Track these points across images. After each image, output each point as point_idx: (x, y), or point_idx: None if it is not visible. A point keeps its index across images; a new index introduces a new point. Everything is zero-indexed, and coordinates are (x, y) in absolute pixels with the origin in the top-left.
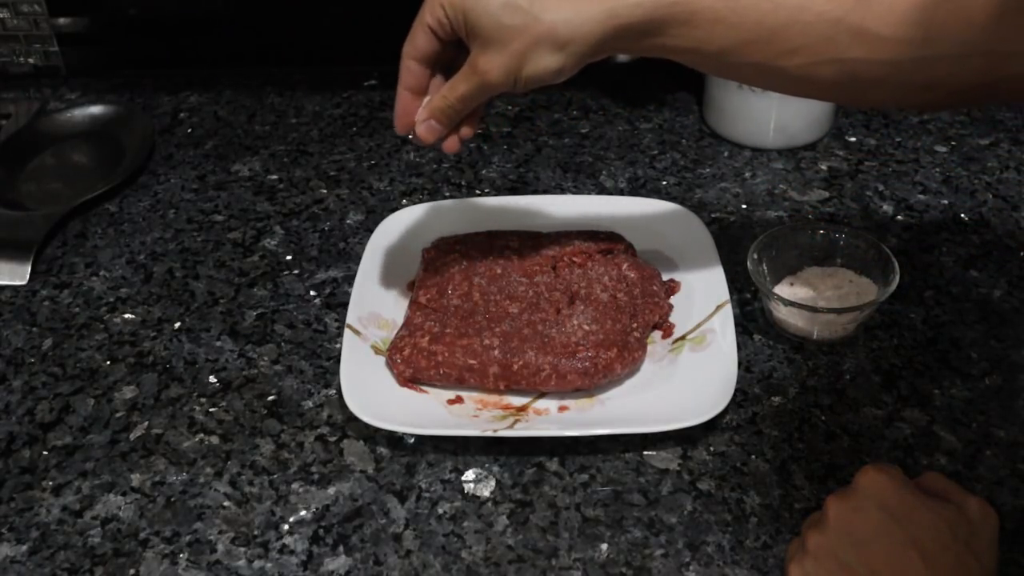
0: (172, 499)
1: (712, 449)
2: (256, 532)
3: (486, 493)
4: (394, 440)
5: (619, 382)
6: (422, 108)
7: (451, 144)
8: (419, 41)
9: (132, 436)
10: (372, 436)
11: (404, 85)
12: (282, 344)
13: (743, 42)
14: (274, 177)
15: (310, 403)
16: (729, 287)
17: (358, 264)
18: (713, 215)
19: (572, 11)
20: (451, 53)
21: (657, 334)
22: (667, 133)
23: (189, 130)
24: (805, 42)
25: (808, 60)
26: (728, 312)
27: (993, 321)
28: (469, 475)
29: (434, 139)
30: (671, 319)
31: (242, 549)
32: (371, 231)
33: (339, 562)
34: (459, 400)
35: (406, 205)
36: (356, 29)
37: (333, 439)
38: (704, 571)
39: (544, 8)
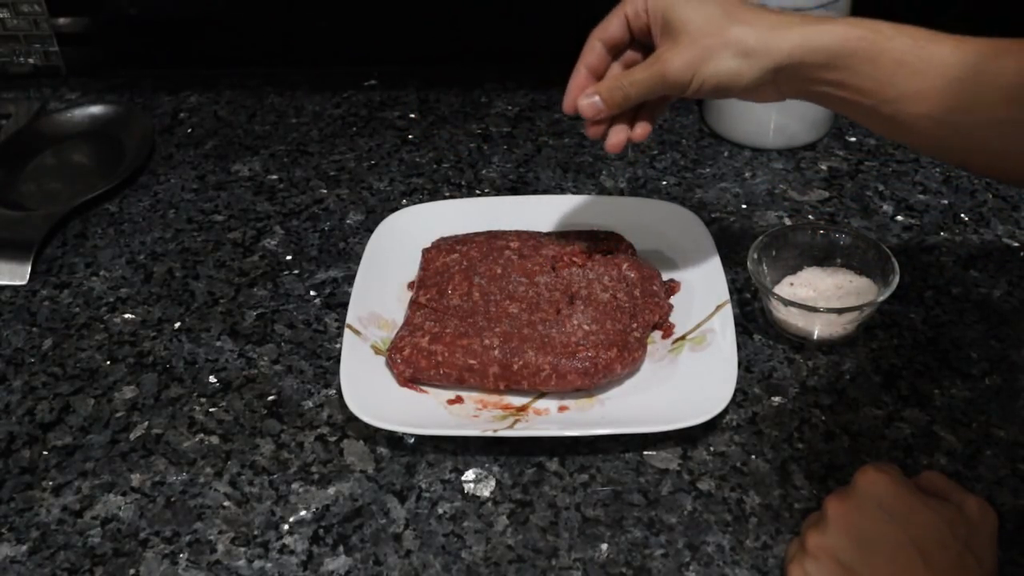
0: (172, 499)
1: (712, 449)
2: (256, 532)
3: (486, 493)
4: (394, 440)
5: (619, 382)
6: (592, 86)
7: (615, 141)
8: (611, 26)
9: (132, 436)
10: (372, 436)
11: (584, 62)
12: (282, 344)
13: (922, 91)
14: (274, 177)
15: (310, 403)
16: (729, 287)
17: (358, 264)
18: (713, 215)
19: (766, 26)
20: (634, 53)
21: (657, 334)
22: (667, 133)
23: (189, 130)
24: (985, 99)
25: (987, 117)
26: (728, 312)
27: (993, 321)
28: (469, 475)
29: (593, 116)
30: (671, 319)
31: (242, 549)
32: (371, 231)
33: (339, 562)
34: (459, 400)
35: (406, 205)
36: (356, 29)
37: (333, 439)
38: (704, 571)
39: (739, 19)
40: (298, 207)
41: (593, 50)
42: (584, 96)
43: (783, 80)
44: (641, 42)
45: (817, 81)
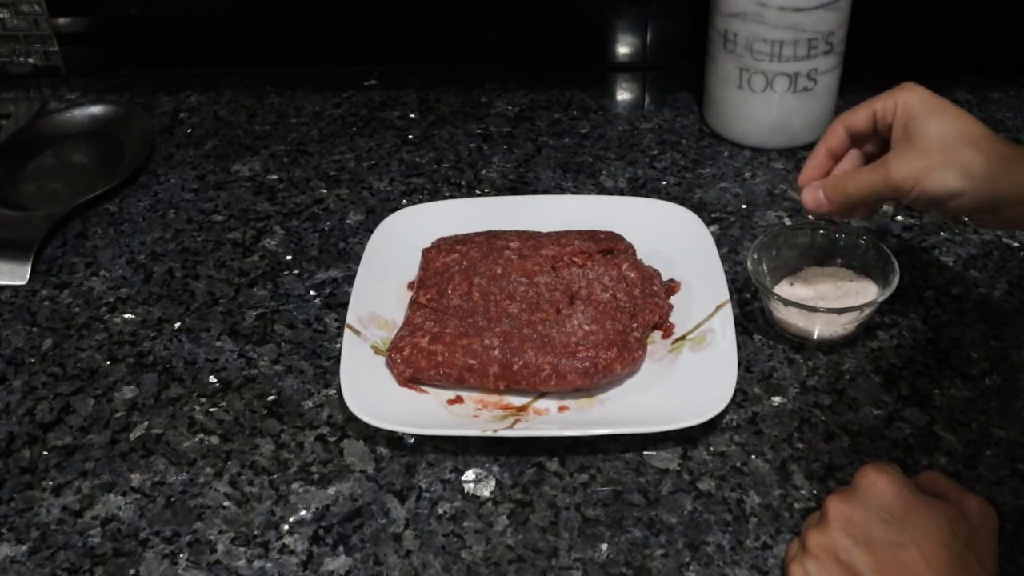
0: (172, 499)
1: (712, 449)
2: (256, 532)
3: (486, 493)
4: (394, 440)
5: (619, 382)
6: (821, 180)
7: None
8: (858, 117)
9: (132, 436)
10: (372, 436)
11: (826, 143)
12: (282, 344)
13: None
14: (274, 177)
15: (310, 403)
16: (729, 287)
17: (358, 264)
18: (713, 215)
19: (999, 156)
20: (872, 148)
21: (657, 334)
22: (667, 133)
23: (189, 130)
24: None
25: None
26: (728, 312)
27: (993, 321)
28: (469, 475)
29: (814, 209)
30: (671, 319)
31: (242, 549)
32: (371, 231)
33: (339, 562)
34: (459, 400)
35: (406, 205)
36: (356, 29)
37: (333, 439)
38: (704, 571)
39: (974, 143)
40: (298, 207)
41: (836, 134)
42: (811, 187)
43: (1010, 211)
44: (882, 135)
45: None
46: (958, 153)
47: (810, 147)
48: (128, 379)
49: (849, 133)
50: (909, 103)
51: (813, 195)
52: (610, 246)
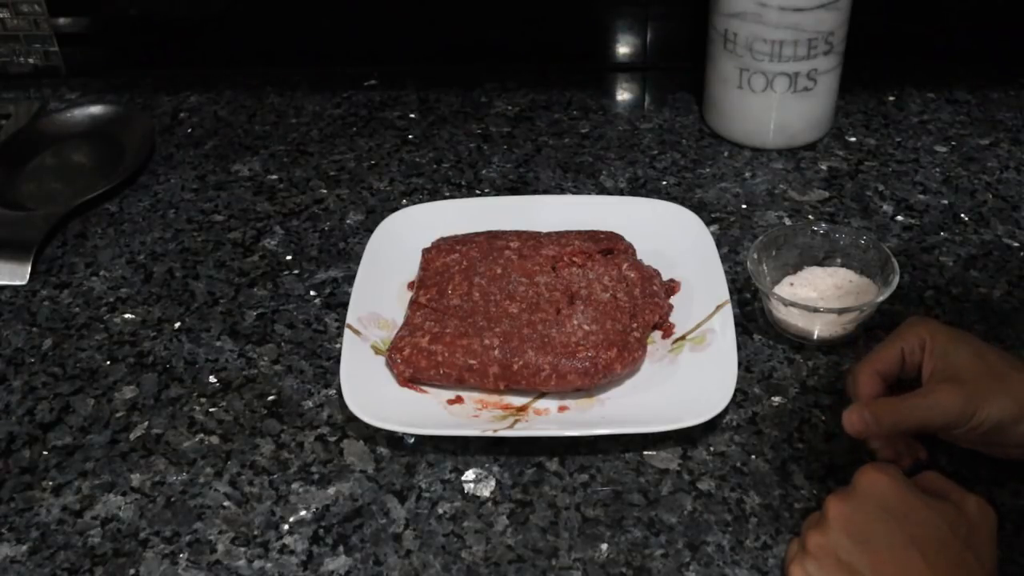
0: (172, 499)
1: (712, 449)
2: (256, 532)
3: (486, 493)
4: (394, 440)
5: (619, 382)
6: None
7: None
8: (888, 358)
9: (132, 436)
10: (372, 436)
11: (863, 393)
12: (282, 344)
13: None
14: (274, 177)
15: (310, 403)
16: (729, 287)
17: (358, 264)
18: (713, 215)
19: None
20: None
21: (657, 334)
22: (667, 133)
23: (189, 130)
24: None
25: None
26: (728, 312)
27: (993, 321)
28: (469, 475)
29: (859, 432)
30: (671, 319)
31: (242, 549)
32: (371, 231)
33: (339, 562)
34: (459, 400)
35: (406, 205)
36: (356, 29)
37: (333, 439)
38: (704, 571)
39: (1012, 367)
40: (298, 207)
41: (871, 381)
42: (857, 409)
43: None
44: (908, 378)
45: None
46: (1008, 378)
47: (810, 147)
48: (128, 379)
49: (881, 376)
50: (936, 334)
51: (860, 418)
52: (610, 246)
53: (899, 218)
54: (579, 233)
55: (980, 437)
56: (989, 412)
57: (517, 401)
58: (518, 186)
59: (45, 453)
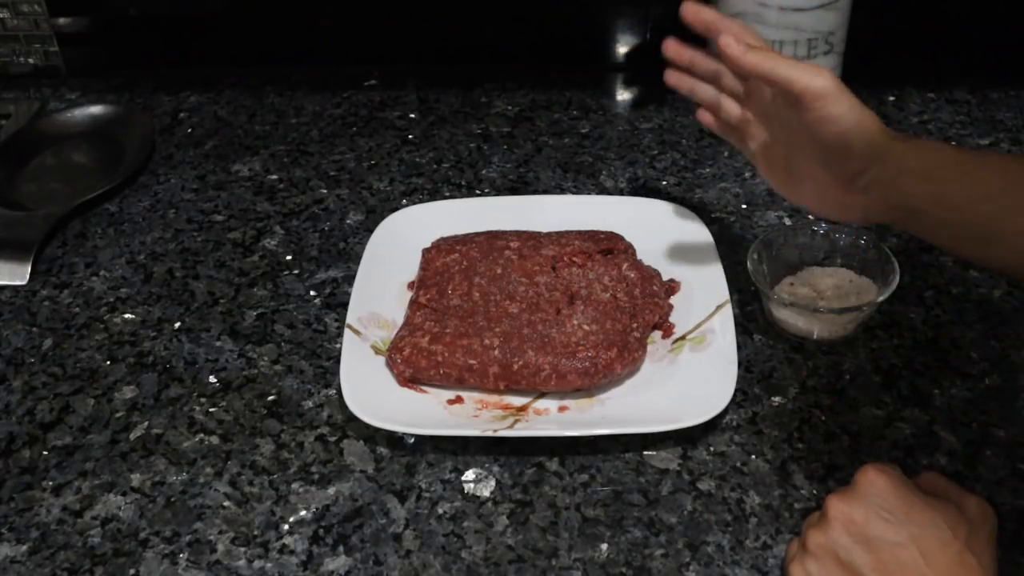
0: (172, 499)
1: (712, 449)
2: (256, 532)
3: (486, 493)
4: (394, 440)
5: (619, 382)
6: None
7: (704, 115)
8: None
9: (132, 436)
10: (372, 436)
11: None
12: (282, 344)
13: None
14: (274, 177)
15: (310, 403)
16: (729, 287)
17: (358, 264)
18: (713, 215)
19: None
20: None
21: (657, 334)
22: (667, 133)
23: (189, 130)
24: None
25: None
26: (728, 312)
27: (993, 321)
28: (469, 475)
29: (730, 46)
30: (671, 319)
31: (242, 549)
32: (371, 231)
33: (339, 562)
34: (459, 400)
35: (406, 205)
36: (356, 29)
37: (333, 439)
38: (704, 571)
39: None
40: (298, 207)
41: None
42: (738, 27)
43: (877, 182)
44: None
45: (911, 194)
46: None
47: None
48: (128, 379)
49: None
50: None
51: (727, 40)
52: (610, 246)
53: None
54: (579, 233)
55: (813, 130)
56: (850, 116)
57: (517, 401)
58: (518, 186)
59: (45, 453)
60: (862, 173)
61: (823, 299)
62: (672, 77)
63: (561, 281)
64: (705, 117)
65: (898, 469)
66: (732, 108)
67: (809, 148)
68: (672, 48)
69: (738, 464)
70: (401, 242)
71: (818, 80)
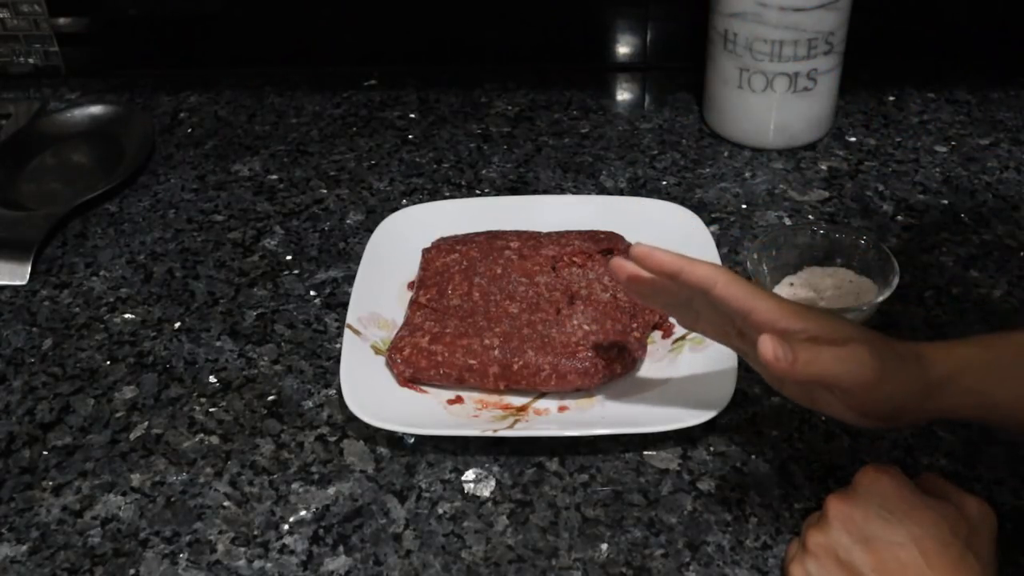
0: (172, 499)
1: (712, 449)
2: (256, 532)
3: (486, 493)
4: (394, 440)
5: (619, 382)
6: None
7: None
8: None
9: (132, 436)
10: (372, 436)
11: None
12: (282, 344)
13: None
14: (274, 177)
15: (310, 403)
16: None
17: (358, 264)
18: (713, 215)
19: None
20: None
21: (657, 334)
22: (667, 133)
23: (189, 130)
24: None
25: None
26: None
27: (993, 321)
28: (469, 475)
29: (772, 364)
30: (671, 319)
31: (242, 549)
32: (371, 231)
33: (339, 562)
34: (459, 400)
35: (406, 205)
36: (356, 29)
37: (333, 439)
38: (704, 571)
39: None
40: (298, 207)
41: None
42: (778, 342)
43: (936, 392)
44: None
45: (967, 392)
46: (904, 355)
47: (810, 147)
48: (128, 379)
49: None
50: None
51: (783, 350)
52: (610, 246)
53: (899, 218)
54: (579, 233)
55: (863, 406)
56: (894, 387)
57: (517, 401)
58: (518, 186)
59: (45, 453)
60: (904, 416)
61: (823, 299)
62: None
63: (561, 281)
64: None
65: (898, 469)
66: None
67: (843, 413)
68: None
69: (738, 464)
70: (401, 242)
71: (864, 372)
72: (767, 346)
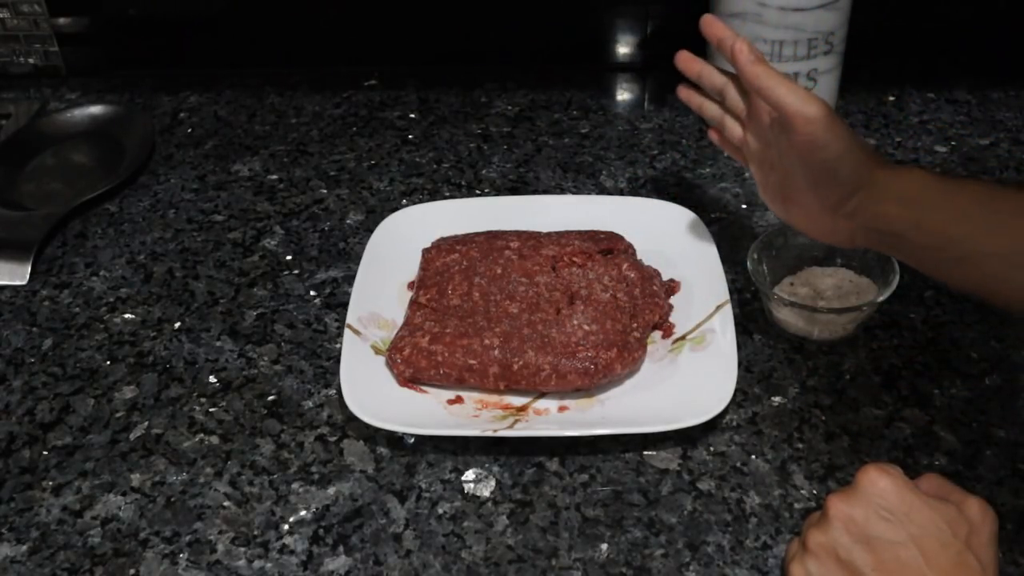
0: (172, 499)
1: (712, 449)
2: (256, 532)
3: (486, 493)
4: (394, 440)
5: (619, 382)
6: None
7: (713, 134)
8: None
9: (132, 436)
10: (372, 436)
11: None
12: (282, 344)
13: (994, 227)
14: (274, 177)
15: (310, 403)
16: (729, 287)
17: (358, 264)
18: (713, 215)
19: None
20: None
21: (657, 334)
22: (667, 133)
23: (189, 130)
24: None
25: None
26: (728, 312)
27: (993, 321)
28: (469, 475)
29: (737, 50)
30: (671, 319)
31: (242, 549)
32: (371, 231)
33: (339, 562)
34: (459, 400)
35: (406, 205)
36: (356, 29)
37: (333, 439)
38: (704, 571)
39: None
40: (298, 207)
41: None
42: (745, 39)
43: (862, 208)
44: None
45: (894, 220)
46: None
47: None
48: (128, 379)
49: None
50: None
51: (740, 45)
52: (610, 246)
53: None
54: (579, 233)
55: (806, 161)
56: (838, 144)
57: (517, 401)
58: (518, 186)
59: (45, 453)
60: (848, 199)
61: (823, 299)
62: (683, 93)
63: (561, 281)
64: (713, 136)
65: (899, 469)
66: (734, 129)
67: (799, 173)
68: (683, 60)
69: (738, 464)
70: (401, 242)
71: (810, 107)
72: (740, 45)
